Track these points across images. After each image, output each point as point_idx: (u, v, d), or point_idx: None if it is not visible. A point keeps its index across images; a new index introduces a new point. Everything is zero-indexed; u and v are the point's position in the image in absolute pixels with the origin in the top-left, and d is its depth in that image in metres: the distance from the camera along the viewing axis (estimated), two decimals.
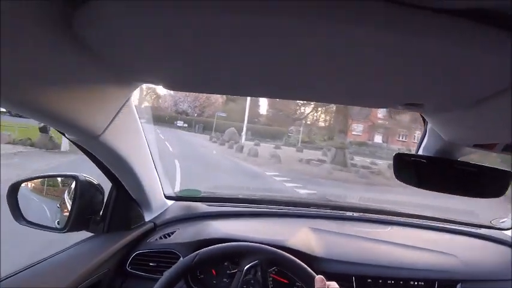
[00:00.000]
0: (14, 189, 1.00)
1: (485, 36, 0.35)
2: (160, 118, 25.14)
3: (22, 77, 0.47)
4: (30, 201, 1.06)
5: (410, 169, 0.84)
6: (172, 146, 11.62)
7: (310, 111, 17.64)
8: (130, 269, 1.07)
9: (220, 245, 0.91)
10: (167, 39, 0.43)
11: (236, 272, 1.08)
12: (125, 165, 0.91)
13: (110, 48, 0.50)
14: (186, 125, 26.64)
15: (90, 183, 1.01)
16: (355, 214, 1.45)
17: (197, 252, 0.88)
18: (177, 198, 1.41)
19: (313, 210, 1.47)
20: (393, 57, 0.42)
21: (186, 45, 0.45)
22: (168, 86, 0.69)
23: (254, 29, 0.38)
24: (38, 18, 0.41)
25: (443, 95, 0.56)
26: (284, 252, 0.90)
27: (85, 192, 0.99)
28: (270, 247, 0.91)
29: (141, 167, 0.99)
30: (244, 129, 17.14)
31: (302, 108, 17.07)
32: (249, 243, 0.94)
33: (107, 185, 1.08)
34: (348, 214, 1.45)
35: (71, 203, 1.00)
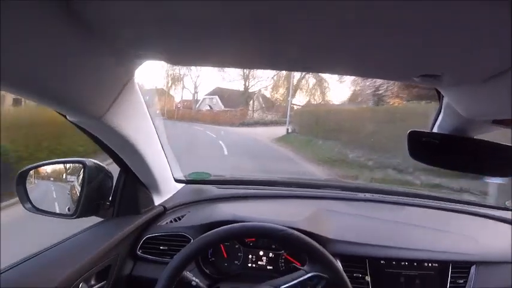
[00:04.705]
0: (22, 176, 1.00)
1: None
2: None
3: (20, 58, 0.45)
4: (40, 188, 1.06)
5: (424, 147, 0.81)
6: None
7: None
8: (140, 252, 1.07)
9: (230, 225, 0.89)
10: (167, 8, 0.41)
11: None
12: (130, 147, 0.89)
13: (108, 22, 0.47)
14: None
15: (98, 168, 1.00)
16: (368, 195, 1.42)
17: (205, 234, 0.86)
18: (186, 181, 1.40)
19: (324, 192, 1.45)
20: (413, 24, 0.39)
21: (189, 13, 0.42)
22: (171, 61, 0.66)
23: None
24: None
25: (463, 65, 0.53)
26: (296, 232, 0.87)
27: (93, 177, 0.98)
28: (282, 227, 0.88)
29: (147, 149, 0.96)
30: None
31: None
32: (257, 223, 0.91)
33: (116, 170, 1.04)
34: (360, 195, 1.42)
35: (80, 188, 0.99)
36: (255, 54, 0.61)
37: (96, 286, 0.89)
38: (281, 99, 21.64)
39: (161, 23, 0.47)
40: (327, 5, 0.37)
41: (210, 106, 22.30)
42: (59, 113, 0.73)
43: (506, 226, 1.28)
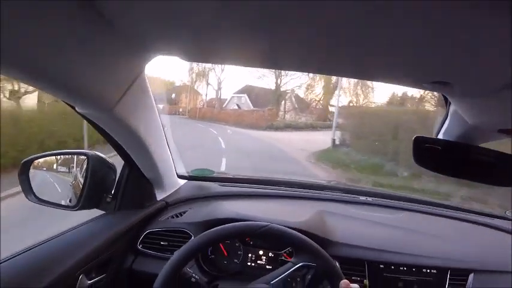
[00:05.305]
0: (26, 166, 1.00)
1: None
2: None
3: (33, 48, 0.45)
4: (42, 178, 1.06)
5: (429, 153, 0.81)
6: None
7: None
8: (141, 247, 1.07)
9: (233, 223, 0.88)
10: (183, 3, 0.41)
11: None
12: (137, 141, 0.89)
13: (123, 13, 0.48)
14: None
15: (102, 161, 0.99)
16: (369, 199, 1.43)
17: (208, 231, 0.86)
18: (189, 177, 1.40)
19: (327, 194, 1.45)
20: (427, 32, 0.41)
21: (205, 9, 0.42)
22: (185, 57, 0.65)
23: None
24: None
25: (473, 75, 0.54)
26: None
27: (97, 169, 0.98)
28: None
29: (153, 144, 0.96)
30: None
31: None
32: (258, 222, 0.89)
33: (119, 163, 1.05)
34: (361, 198, 1.42)
35: (82, 180, 0.99)
36: (262, 52, 0.61)
37: (96, 279, 0.89)
38: (317, 99, 18.26)
39: (175, 17, 0.47)
40: (346, 11, 0.38)
41: (237, 105, 20.11)
42: (68, 104, 0.73)
43: (506, 235, 1.28)
